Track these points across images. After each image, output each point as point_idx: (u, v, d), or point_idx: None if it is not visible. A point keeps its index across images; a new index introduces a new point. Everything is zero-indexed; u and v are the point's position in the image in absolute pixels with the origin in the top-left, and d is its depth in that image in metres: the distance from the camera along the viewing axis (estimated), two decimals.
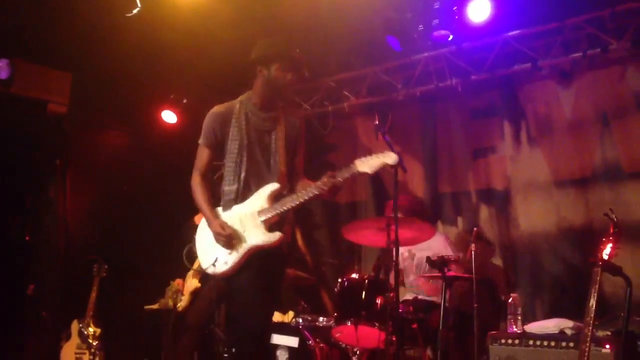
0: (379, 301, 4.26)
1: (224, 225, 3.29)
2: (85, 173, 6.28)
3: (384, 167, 3.19)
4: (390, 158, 3.15)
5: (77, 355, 5.55)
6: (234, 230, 3.29)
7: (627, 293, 3.40)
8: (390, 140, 3.47)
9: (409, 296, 4.90)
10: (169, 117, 6.84)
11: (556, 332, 3.93)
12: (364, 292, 4.30)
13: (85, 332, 5.57)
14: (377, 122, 3.83)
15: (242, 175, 3.33)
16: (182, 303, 5.60)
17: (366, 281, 4.35)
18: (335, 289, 4.55)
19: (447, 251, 4.85)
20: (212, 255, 3.31)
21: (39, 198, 6.06)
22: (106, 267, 5.81)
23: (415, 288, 5.03)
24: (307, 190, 3.24)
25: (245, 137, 3.36)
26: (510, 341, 4.02)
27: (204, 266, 3.38)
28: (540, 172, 5.40)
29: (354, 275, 4.55)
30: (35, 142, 6.05)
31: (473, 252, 4.30)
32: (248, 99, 3.46)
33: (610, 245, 3.31)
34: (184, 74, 6.16)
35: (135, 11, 4.59)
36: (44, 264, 6.03)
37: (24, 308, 5.56)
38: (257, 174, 3.36)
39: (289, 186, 3.44)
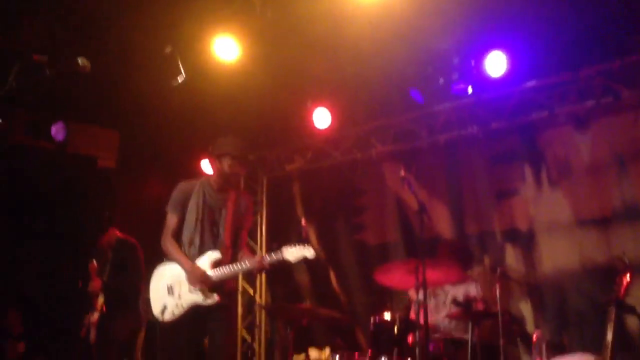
0: (410, 339, 4.56)
1: (205, 275, 4.09)
2: (131, 224, 6.66)
3: (304, 259, 3.98)
4: (309, 252, 3.98)
5: None
6: (183, 286, 4.15)
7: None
8: (417, 185, 3.81)
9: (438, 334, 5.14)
10: (207, 167, 7.30)
11: None
12: (395, 330, 4.59)
13: None
14: (402, 174, 4.22)
15: (197, 242, 4.19)
16: None
17: (397, 320, 4.65)
18: (369, 328, 4.84)
19: (475, 292, 5.13)
20: (161, 304, 4.16)
21: (89, 247, 6.46)
22: None
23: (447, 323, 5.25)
24: (240, 264, 4.11)
25: (201, 212, 4.22)
26: None
27: (154, 312, 4.18)
28: (562, 212, 5.60)
29: (386, 315, 4.83)
30: (86, 195, 6.54)
31: (498, 291, 4.57)
32: (207, 181, 4.35)
33: (623, 286, 3.58)
34: (220, 130, 6.61)
35: (180, 80, 5.03)
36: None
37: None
38: (207, 244, 4.19)
39: (233, 255, 4.25)
